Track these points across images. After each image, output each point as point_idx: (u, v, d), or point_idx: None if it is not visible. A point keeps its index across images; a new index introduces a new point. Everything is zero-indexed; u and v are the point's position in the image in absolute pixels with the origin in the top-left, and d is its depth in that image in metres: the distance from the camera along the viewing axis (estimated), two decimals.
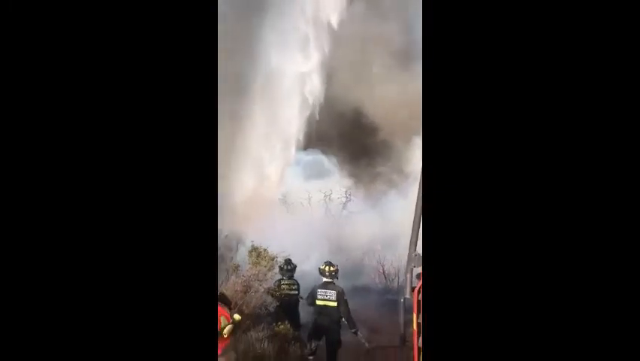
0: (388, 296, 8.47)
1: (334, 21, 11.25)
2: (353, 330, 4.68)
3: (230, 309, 1.86)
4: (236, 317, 1.80)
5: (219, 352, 1.73)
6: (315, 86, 13.29)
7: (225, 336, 1.75)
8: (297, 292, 5.24)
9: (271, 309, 4.65)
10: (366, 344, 4.93)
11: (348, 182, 12.91)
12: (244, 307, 3.91)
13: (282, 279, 5.23)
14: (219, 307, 1.81)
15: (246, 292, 4.21)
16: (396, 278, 8.99)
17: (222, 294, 1.97)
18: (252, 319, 3.95)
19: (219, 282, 4.29)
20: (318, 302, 4.72)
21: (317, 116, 13.56)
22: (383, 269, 9.15)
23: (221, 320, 1.77)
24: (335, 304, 4.66)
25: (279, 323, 4.17)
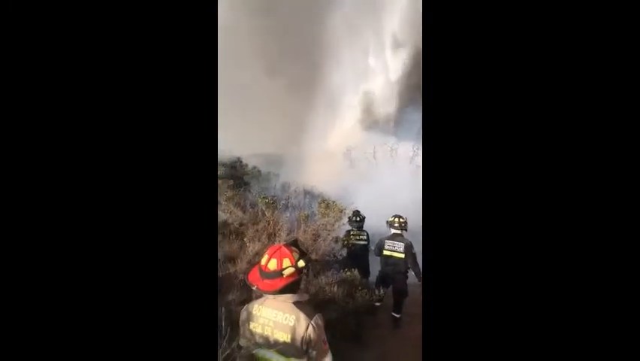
0: None
1: None
2: (421, 282, 4.72)
3: (302, 254, 1.93)
4: (301, 263, 1.86)
5: (275, 288, 1.83)
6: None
7: (284, 276, 1.83)
8: (366, 242, 5.36)
9: (339, 257, 4.83)
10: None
11: (415, 135, 12.49)
12: (314, 254, 4.10)
13: (352, 230, 5.37)
14: (286, 249, 1.84)
15: (315, 240, 4.39)
16: None
17: (296, 240, 2.05)
18: (322, 265, 4.15)
19: (293, 230, 4.53)
20: (385, 253, 4.83)
21: (389, 73, 13.07)
22: None
23: (285, 261, 1.81)
24: (402, 255, 4.72)
25: (347, 270, 4.33)
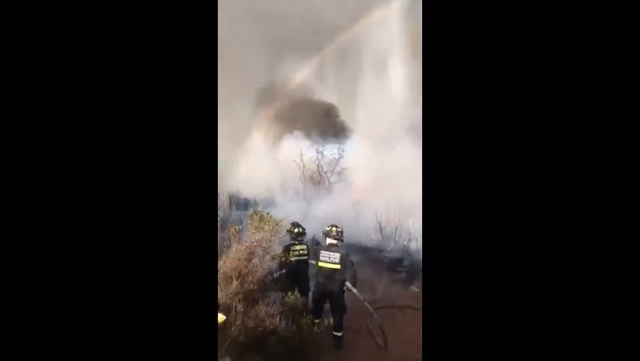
0: (385, 254, 8.31)
1: None
2: (350, 286, 4.37)
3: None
4: (220, 318, 1.46)
5: None
6: None
7: None
8: (306, 256, 4.89)
9: (276, 275, 4.21)
10: (370, 308, 4.67)
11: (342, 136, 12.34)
12: (249, 277, 3.47)
13: (292, 244, 4.85)
14: None
15: (249, 260, 3.74)
16: (393, 235, 8.77)
17: None
18: (260, 289, 3.53)
19: (222, 248, 3.84)
20: (321, 264, 4.46)
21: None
22: (380, 226, 8.86)
23: None
24: (338, 266, 4.41)
25: (289, 293, 3.75)
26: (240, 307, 2.89)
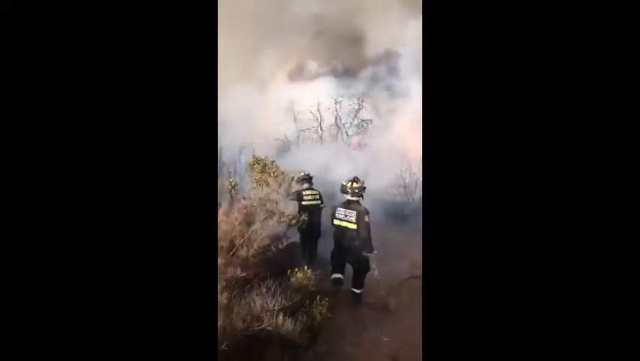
0: (408, 212, 7.30)
1: None
2: (367, 254, 3.61)
3: None
4: None
5: None
6: None
7: None
8: (319, 201, 4.36)
9: (284, 243, 3.10)
10: (376, 273, 3.72)
11: (360, 87, 10.92)
12: (245, 249, 2.40)
13: (304, 189, 4.28)
14: None
15: (249, 224, 2.65)
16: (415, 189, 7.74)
17: None
18: (262, 269, 2.43)
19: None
20: (336, 222, 3.74)
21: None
22: (404, 182, 7.76)
23: None
24: (354, 226, 3.64)
25: (296, 269, 2.65)
26: (223, 299, 1.83)
